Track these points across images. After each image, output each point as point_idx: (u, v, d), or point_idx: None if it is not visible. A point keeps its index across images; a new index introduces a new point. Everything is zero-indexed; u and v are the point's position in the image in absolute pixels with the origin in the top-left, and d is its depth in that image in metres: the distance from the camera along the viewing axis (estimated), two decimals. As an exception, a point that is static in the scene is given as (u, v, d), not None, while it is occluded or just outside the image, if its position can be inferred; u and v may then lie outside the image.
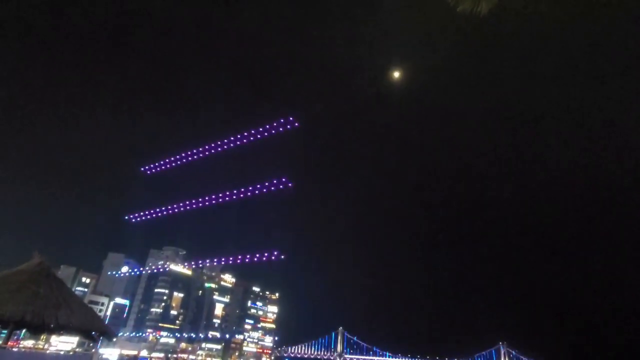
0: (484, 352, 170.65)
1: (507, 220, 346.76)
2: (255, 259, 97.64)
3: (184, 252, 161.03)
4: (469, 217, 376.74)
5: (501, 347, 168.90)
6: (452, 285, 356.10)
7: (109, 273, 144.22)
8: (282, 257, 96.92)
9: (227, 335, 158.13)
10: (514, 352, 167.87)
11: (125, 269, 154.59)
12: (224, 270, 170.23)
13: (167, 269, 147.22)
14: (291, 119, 63.42)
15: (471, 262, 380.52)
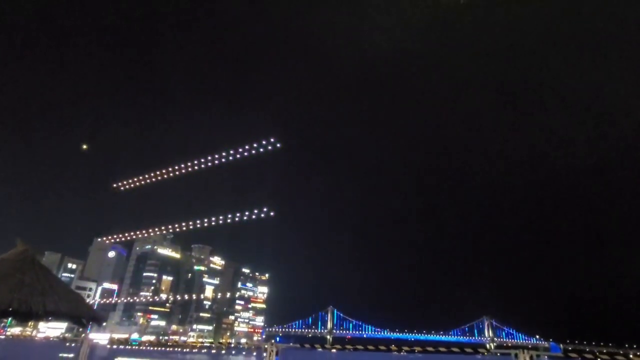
0: (469, 325, 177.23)
1: (491, 199, 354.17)
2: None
3: (172, 236, 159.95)
4: (455, 197, 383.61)
5: (485, 320, 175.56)
6: (439, 263, 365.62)
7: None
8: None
9: (218, 316, 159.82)
10: (497, 324, 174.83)
11: (112, 253, 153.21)
12: (213, 252, 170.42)
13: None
14: (272, 139, 63.74)
15: (457, 241, 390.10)
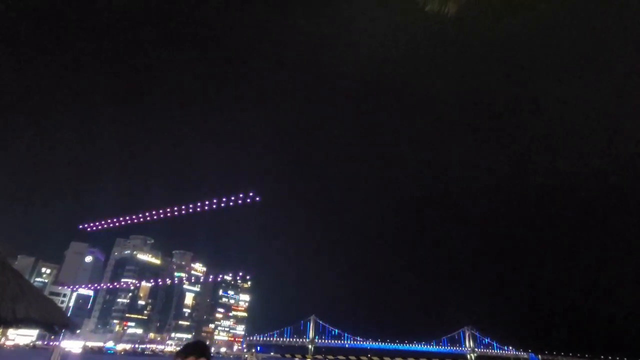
0: (450, 335, 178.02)
1: (473, 211, 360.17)
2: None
3: (152, 241, 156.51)
4: (437, 210, 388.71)
5: (466, 329, 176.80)
6: (421, 274, 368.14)
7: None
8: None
9: (198, 325, 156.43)
10: (477, 334, 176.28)
11: (89, 258, 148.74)
12: (195, 259, 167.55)
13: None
14: (252, 193, 64.45)
15: (438, 251, 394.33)
